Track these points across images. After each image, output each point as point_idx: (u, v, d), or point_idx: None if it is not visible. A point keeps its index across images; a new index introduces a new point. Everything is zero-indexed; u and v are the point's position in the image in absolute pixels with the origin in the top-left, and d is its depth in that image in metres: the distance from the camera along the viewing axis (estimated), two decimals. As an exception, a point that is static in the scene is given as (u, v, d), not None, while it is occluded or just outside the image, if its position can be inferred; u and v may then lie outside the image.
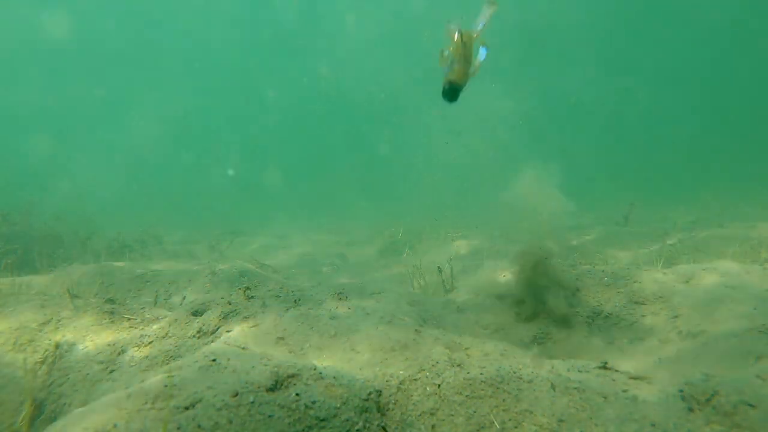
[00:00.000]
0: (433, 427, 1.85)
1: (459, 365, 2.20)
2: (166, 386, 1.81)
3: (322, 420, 1.73)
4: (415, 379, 2.09)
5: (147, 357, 2.73)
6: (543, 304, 3.48)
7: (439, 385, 2.03)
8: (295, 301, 3.23)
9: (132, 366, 2.67)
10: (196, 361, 2.09)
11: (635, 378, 2.15)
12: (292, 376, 1.95)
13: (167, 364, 2.61)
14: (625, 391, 2.01)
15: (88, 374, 2.67)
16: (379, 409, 1.88)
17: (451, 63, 3.29)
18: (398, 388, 2.03)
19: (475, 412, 1.88)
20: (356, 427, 1.75)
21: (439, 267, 5.27)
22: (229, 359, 2.09)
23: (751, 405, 1.74)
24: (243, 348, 2.57)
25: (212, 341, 2.74)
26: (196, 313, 3.18)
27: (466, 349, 2.43)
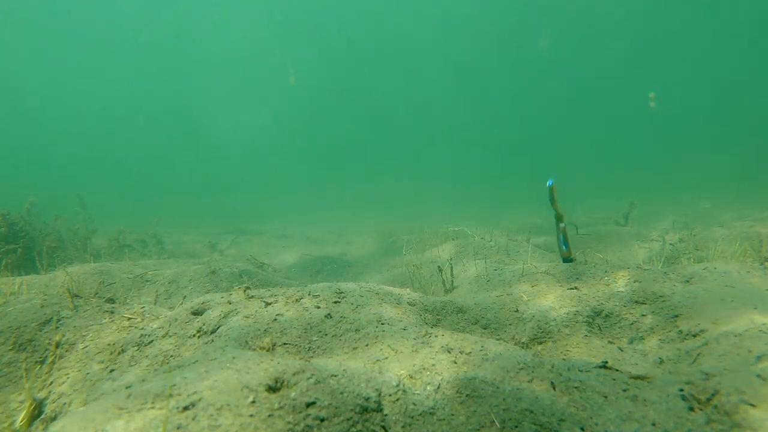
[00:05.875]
0: (433, 426, 1.85)
1: (459, 364, 2.20)
2: (166, 386, 1.81)
3: (323, 420, 1.73)
4: (416, 378, 2.09)
5: (147, 356, 2.73)
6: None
7: (438, 385, 2.03)
8: (296, 300, 3.23)
9: (132, 365, 2.67)
10: (197, 361, 2.09)
11: (635, 377, 2.15)
12: (293, 375, 1.95)
13: (167, 363, 2.61)
14: (625, 390, 2.00)
15: (87, 374, 2.67)
16: (379, 409, 1.88)
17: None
18: (398, 388, 2.03)
19: (475, 411, 1.88)
20: (357, 427, 1.75)
21: (439, 267, 5.26)
22: (228, 358, 2.08)
23: (752, 405, 1.74)
24: (243, 347, 2.57)
25: (212, 341, 2.74)
26: (197, 313, 3.18)
27: (466, 348, 2.43)
